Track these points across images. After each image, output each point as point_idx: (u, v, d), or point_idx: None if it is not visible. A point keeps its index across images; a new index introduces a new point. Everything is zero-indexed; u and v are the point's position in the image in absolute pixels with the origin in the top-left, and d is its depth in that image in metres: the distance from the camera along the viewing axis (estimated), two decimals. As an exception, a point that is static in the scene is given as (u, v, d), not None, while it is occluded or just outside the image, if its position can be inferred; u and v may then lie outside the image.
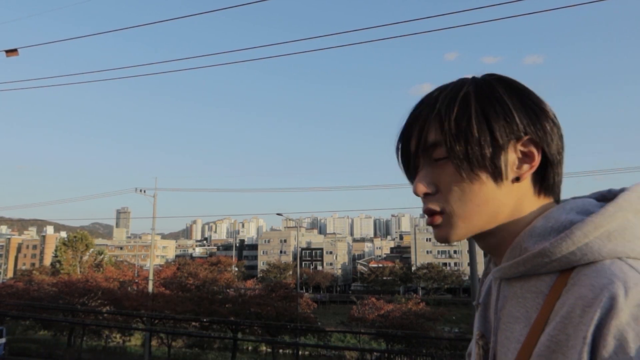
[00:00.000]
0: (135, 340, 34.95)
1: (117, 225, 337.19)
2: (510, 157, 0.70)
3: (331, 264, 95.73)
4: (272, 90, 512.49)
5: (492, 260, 0.79)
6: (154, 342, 31.15)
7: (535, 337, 0.62)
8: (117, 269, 47.37)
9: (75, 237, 66.47)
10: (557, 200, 0.74)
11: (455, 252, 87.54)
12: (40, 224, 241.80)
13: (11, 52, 9.63)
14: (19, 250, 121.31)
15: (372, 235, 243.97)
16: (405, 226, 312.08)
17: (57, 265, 63.47)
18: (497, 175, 0.70)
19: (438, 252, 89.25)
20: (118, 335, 33.38)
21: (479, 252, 9.03)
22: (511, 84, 0.74)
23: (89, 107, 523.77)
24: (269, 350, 32.56)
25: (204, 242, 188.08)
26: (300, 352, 29.16)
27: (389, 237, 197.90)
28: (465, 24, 7.93)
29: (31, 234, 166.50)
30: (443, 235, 0.73)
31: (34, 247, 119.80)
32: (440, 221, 0.73)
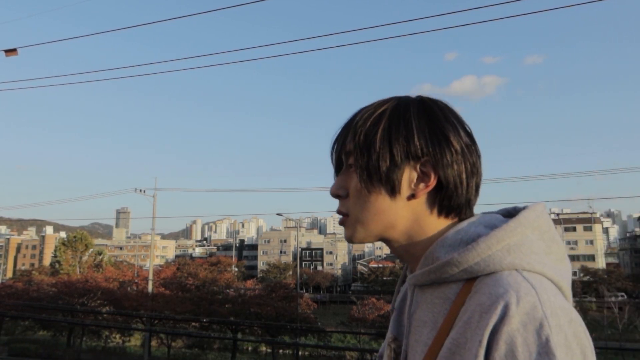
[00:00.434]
0: (135, 341, 34.94)
1: (117, 225, 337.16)
2: (408, 175, 0.76)
3: (331, 264, 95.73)
4: (272, 90, 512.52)
5: (408, 268, 0.84)
6: (153, 343, 31.14)
7: (441, 341, 0.68)
8: (116, 269, 47.28)
9: (74, 237, 66.39)
10: (462, 219, 0.78)
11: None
12: (39, 224, 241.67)
13: (10, 51, 9.60)
14: (18, 250, 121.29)
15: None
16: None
17: (57, 265, 63.42)
18: (390, 189, 0.76)
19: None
20: (118, 336, 33.34)
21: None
22: (428, 107, 0.78)
23: (89, 107, 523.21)
24: (269, 350, 32.53)
25: (204, 242, 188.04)
26: (300, 353, 29.15)
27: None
28: (465, 24, 7.90)
29: (30, 234, 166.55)
30: (347, 235, 0.82)
31: (34, 247, 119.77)
32: (345, 223, 0.81)
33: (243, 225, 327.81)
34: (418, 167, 0.76)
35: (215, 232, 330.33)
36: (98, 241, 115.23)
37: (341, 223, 0.82)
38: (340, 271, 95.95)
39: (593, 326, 35.82)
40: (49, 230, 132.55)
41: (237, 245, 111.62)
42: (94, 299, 31.62)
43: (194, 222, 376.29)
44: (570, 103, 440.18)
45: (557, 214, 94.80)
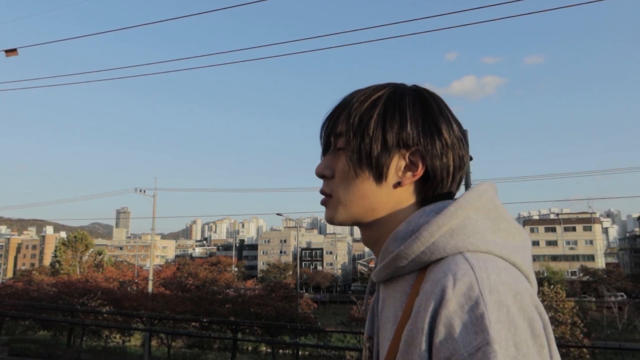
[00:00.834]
0: (135, 341, 34.97)
1: (117, 225, 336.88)
2: (397, 163, 0.76)
3: (331, 264, 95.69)
4: (272, 90, 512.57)
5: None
6: (153, 342, 31.16)
7: (400, 334, 0.67)
8: (116, 269, 47.32)
9: (75, 237, 66.36)
10: None
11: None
12: (39, 224, 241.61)
13: (11, 52, 9.60)
14: (18, 250, 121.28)
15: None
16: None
17: (57, 265, 63.37)
18: (378, 174, 0.76)
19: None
20: (118, 336, 33.35)
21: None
22: (424, 98, 0.79)
23: (89, 107, 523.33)
24: (269, 350, 32.56)
25: (204, 242, 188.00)
26: (300, 353, 29.18)
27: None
28: (465, 24, 7.91)
29: (31, 234, 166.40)
30: (328, 216, 0.82)
31: (34, 247, 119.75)
32: (327, 203, 0.81)
33: (243, 225, 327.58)
34: (407, 155, 0.76)
35: (215, 232, 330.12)
36: (98, 241, 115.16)
37: (323, 203, 0.82)
38: (340, 271, 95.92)
39: (593, 326, 35.87)
40: (49, 230, 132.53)
41: (237, 245, 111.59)
42: (94, 299, 31.61)
43: (194, 222, 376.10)
44: (570, 103, 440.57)
45: (557, 214, 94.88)
